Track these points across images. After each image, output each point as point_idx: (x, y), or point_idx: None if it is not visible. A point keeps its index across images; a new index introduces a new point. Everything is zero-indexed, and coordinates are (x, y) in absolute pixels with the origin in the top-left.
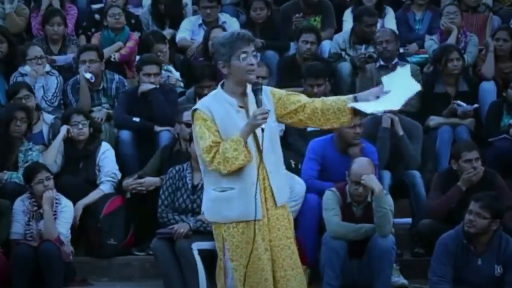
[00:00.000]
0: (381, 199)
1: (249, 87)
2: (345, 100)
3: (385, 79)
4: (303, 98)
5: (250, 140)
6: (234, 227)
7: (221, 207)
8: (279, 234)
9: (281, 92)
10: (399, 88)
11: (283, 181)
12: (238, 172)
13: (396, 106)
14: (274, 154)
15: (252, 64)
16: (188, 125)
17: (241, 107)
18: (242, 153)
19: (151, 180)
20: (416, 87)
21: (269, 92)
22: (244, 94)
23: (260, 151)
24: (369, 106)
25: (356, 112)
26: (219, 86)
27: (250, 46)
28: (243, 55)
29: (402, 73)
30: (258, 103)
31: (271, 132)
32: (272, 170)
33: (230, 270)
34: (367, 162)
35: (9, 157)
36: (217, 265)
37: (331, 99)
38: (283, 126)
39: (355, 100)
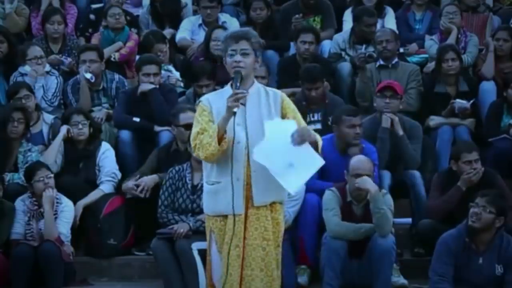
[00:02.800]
0: (377, 200)
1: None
2: None
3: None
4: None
5: (243, 136)
6: (221, 221)
7: (210, 200)
8: (255, 233)
9: (291, 107)
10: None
11: (270, 184)
12: (225, 166)
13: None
14: None
15: (237, 61)
16: (187, 127)
17: (242, 104)
18: (214, 140)
19: (149, 180)
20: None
21: (279, 98)
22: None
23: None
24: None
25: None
26: (228, 84)
27: (240, 44)
28: (230, 52)
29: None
30: (235, 86)
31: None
32: (257, 170)
33: (217, 262)
34: (365, 158)
35: (8, 158)
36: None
37: None
38: None
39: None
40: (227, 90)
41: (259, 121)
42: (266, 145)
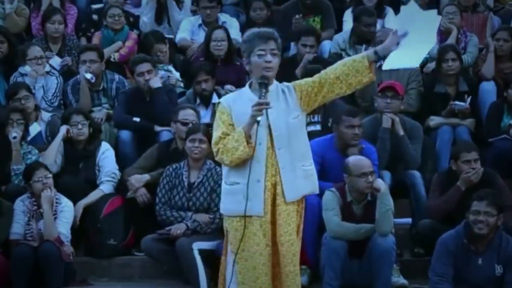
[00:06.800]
0: (386, 196)
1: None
2: (362, 61)
3: (397, 21)
4: (318, 75)
5: (264, 136)
6: (238, 221)
7: (227, 200)
8: (289, 229)
9: (303, 82)
10: (416, 31)
11: (298, 178)
12: (244, 168)
13: (416, 63)
14: (289, 151)
15: (268, 61)
16: (184, 123)
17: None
18: (242, 144)
19: (137, 181)
20: (432, 38)
21: (292, 88)
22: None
23: (273, 147)
24: (393, 62)
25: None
26: (247, 85)
27: (269, 44)
28: (260, 52)
29: (410, 10)
30: (260, 96)
31: (289, 128)
32: (285, 167)
33: (231, 263)
34: (362, 156)
35: (8, 160)
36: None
37: (348, 62)
38: None
39: (376, 54)
40: (246, 91)
41: (281, 118)
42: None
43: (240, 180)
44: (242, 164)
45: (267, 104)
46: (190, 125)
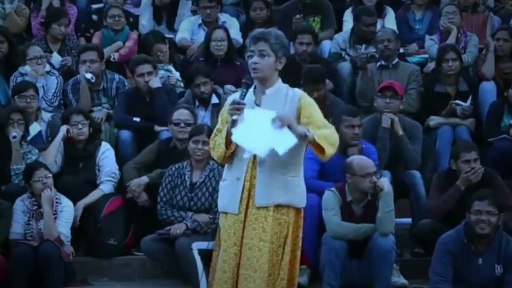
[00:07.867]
0: (390, 196)
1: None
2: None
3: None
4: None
5: None
6: (225, 217)
7: (219, 197)
8: (252, 233)
9: (307, 109)
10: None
11: (274, 186)
12: (230, 166)
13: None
14: (270, 157)
15: (253, 63)
16: (176, 124)
17: (257, 104)
18: (223, 142)
19: (137, 185)
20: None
21: (297, 98)
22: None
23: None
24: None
25: None
26: (252, 85)
27: (258, 45)
28: (249, 53)
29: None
30: (240, 96)
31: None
32: (263, 171)
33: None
34: (364, 157)
35: (8, 160)
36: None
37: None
38: None
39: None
40: (250, 91)
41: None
42: (245, 129)
43: (227, 177)
44: (230, 162)
45: (240, 104)
46: (182, 124)
